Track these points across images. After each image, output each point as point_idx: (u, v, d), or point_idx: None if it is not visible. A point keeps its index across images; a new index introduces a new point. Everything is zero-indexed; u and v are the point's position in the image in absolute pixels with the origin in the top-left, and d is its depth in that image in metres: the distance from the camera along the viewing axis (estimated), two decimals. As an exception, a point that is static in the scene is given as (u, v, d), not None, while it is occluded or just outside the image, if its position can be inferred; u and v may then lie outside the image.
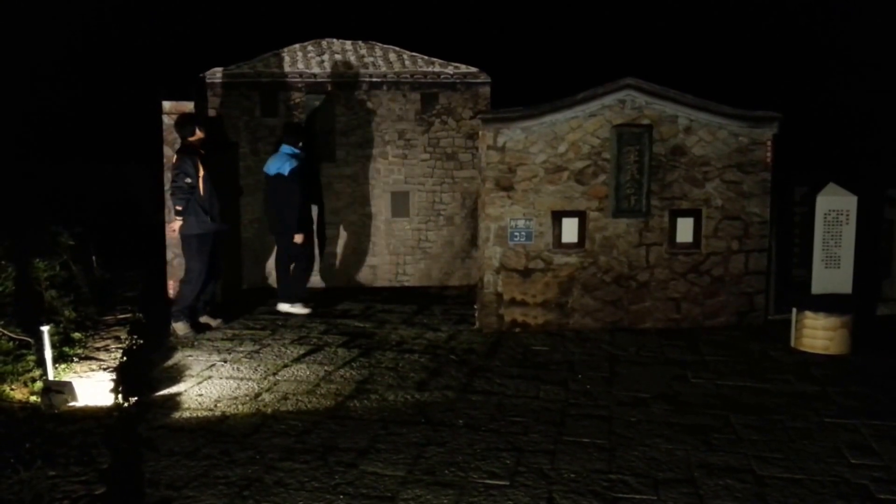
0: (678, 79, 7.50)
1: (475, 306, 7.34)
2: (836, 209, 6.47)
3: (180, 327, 6.82)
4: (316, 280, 8.84)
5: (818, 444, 4.58)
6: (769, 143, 7.06)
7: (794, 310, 6.54)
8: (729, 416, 5.00)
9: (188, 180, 6.70)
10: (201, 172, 6.76)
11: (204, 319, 7.09)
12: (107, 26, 11.97)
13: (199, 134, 6.85)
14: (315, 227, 8.24)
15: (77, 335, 6.13)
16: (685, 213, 7.06)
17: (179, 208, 6.73)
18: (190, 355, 6.29)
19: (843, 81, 11.39)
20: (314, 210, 8.38)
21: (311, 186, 8.02)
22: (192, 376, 5.77)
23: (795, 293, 6.80)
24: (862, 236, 6.59)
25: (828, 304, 6.37)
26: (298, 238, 7.49)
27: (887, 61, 10.90)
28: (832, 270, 6.50)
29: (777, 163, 7.13)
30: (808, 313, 6.39)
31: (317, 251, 8.51)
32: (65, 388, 4.85)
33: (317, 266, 8.77)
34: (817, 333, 6.35)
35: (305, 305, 7.64)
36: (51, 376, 5.07)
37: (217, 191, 6.87)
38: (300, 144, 7.52)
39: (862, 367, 6.02)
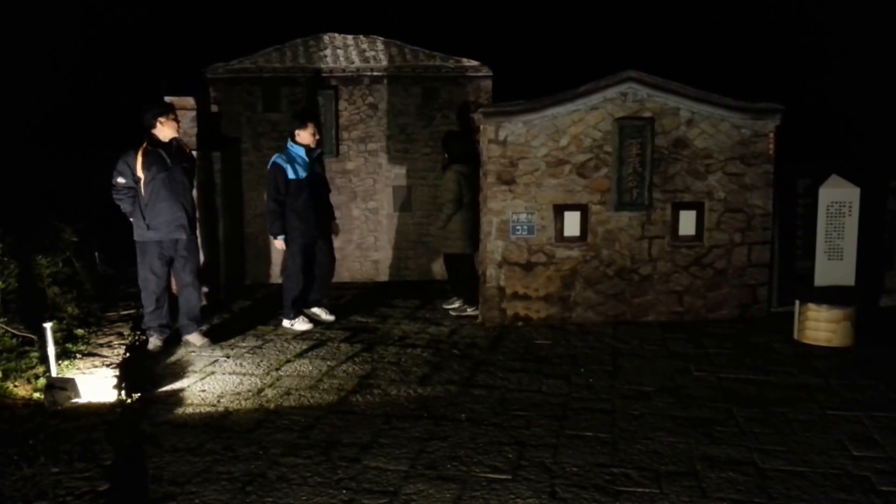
0: (680, 71, 7.48)
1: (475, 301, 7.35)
2: (838, 201, 6.46)
3: (150, 342, 6.28)
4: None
5: (821, 436, 4.57)
6: (771, 135, 7.04)
7: (797, 302, 6.53)
8: (731, 409, 5.00)
9: (120, 180, 6.03)
10: (140, 173, 6.01)
11: (191, 338, 6.44)
12: (108, 21, 11.96)
13: (160, 126, 6.07)
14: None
15: (80, 332, 6.16)
16: (687, 206, 7.04)
17: (122, 209, 6.14)
18: (193, 351, 6.30)
19: (845, 72, 11.34)
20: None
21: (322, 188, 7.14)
22: (195, 372, 5.78)
23: (798, 285, 6.80)
24: (865, 228, 6.58)
25: (831, 296, 6.36)
26: (277, 244, 6.86)
27: (889, 52, 10.85)
28: (835, 262, 6.49)
29: (780, 155, 7.11)
30: (811, 305, 6.38)
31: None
32: (68, 385, 4.87)
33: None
34: (820, 326, 6.34)
35: (308, 320, 7.00)
36: (54, 373, 5.09)
37: (180, 196, 6.15)
38: (297, 138, 6.78)
39: (865, 359, 6.01)
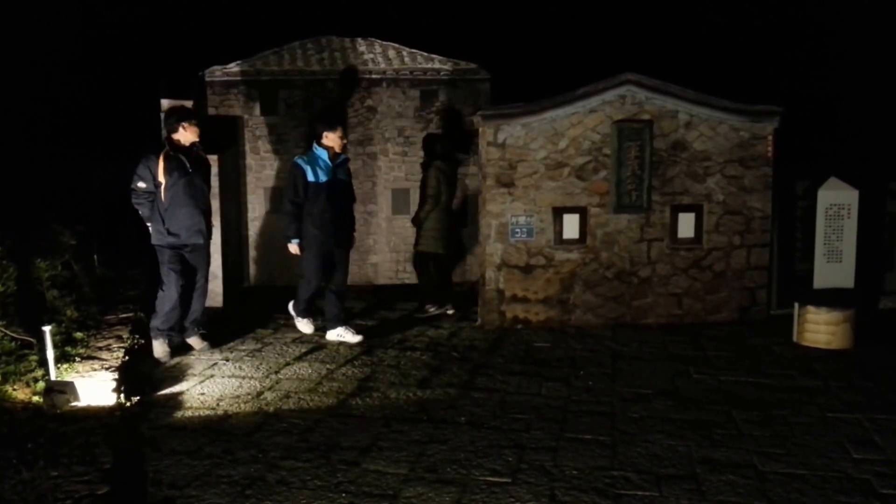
0: (679, 73, 7.48)
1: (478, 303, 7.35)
2: (837, 203, 6.47)
3: (156, 347, 6.16)
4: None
5: (820, 438, 4.58)
6: (770, 137, 7.05)
7: (797, 304, 6.53)
8: (731, 412, 5.00)
9: (141, 185, 6.01)
10: (162, 178, 6.00)
11: (191, 341, 6.41)
12: (107, 22, 11.96)
13: (182, 132, 6.08)
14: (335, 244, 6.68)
15: (79, 335, 6.13)
16: (686, 209, 7.05)
17: (140, 213, 6.13)
18: (192, 354, 6.28)
19: (844, 75, 11.36)
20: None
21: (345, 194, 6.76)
22: (194, 375, 5.77)
23: (798, 288, 6.80)
24: (864, 230, 6.58)
25: (830, 298, 6.36)
26: (291, 248, 6.60)
27: (888, 54, 10.86)
28: (834, 265, 6.49)
29: (778, 157, 7.12)
30: (811, 308, 6.38)
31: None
32: (67, 388, 4.86)
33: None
34: (819, 328, 6.34)
35: (312, 323, 6.87)
36: (53, 376, 5.08)
37: (199, 202, 6.15)
38: (322, 140, 6.49)
39: (864, 361, 6.01)
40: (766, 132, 7.04)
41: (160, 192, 6.03)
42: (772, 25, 12.23)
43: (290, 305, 6.95)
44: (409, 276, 8.94)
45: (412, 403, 5.19)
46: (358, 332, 6.71)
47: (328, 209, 6.48)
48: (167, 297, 6.16)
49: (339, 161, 6.58)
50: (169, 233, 6.08)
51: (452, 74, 8.74)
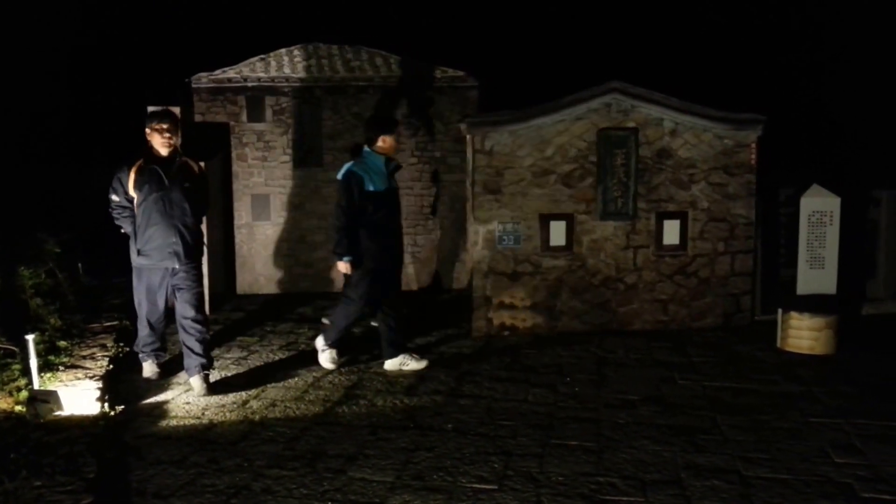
0: (663, 81, 7.54)
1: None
2: (819, 210, 6.53)
3: (145, 368, 5.85)
4: (306, 285, 8.82)
5: (803, 443, 4.61)
6: (754, 145, 7.11)
7: (780, 310, 6.59)
8: (716, 417, 5.03)
9: (114, 197, 5.45)
10: (132, 193, 5.40)
11: (192, 381, 5.57)
12: (93, 30, 11.93)
13: (149, 138, 5.44)
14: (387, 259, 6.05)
15: (63, 343, 6.10)
16: (671, 216, 7.10)
17: (124, 231, 5.57)
18: (176, 362, 6.25)
19: (827, 83, 11.47)
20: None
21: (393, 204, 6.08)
22: (180, 384, 5.74)
23: (781, 294, 6.86)
24: (847, 237, 6.65)
25: (813, 304, 6.42)
26: (341, 266, 5.88)
27: (871, 62, 10.99)
28: (817, 271, 6.56)
29: (762, 165, 7.19)
30: (794, 314, 6.44)
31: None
32: (50, 397, 4.83)
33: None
34: (803, 334, 6.39)
35: (334, 360, 6.12)
36: (36, 385, 5.05)
37: (176, 220, 5.43)
38: (377, 144, 5.89)
39: (847, 366, 6.07)
40: (750, 140, 7.10)
41: (135, 208, 5.45)
42: (771, 26, 12.30)
43: (320, 340, 6.14)
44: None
45: (399, 411, 5.19)
46: (421, 358, 6.13)
47: (386, 222, 5.91)
48: (140, 323, 5.80)
49: (391, 167, 6.00)
50: (139, 253, 5.47)
51: (440, 82, 8.76)
